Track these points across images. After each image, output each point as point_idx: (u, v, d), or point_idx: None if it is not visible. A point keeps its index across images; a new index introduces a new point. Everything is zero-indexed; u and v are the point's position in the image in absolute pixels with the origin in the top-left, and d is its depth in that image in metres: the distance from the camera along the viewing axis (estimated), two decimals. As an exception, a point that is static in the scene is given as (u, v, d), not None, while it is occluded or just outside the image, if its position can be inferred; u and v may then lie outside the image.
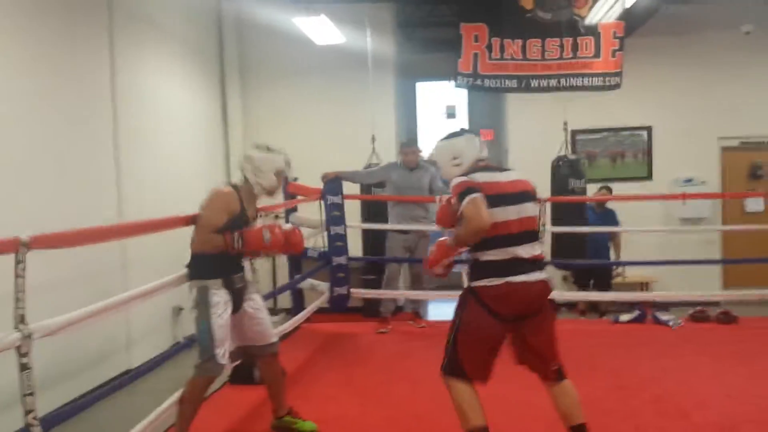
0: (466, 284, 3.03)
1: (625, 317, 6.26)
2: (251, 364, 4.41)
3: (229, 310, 3.30)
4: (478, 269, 2.92)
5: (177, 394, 3.38)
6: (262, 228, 3.31)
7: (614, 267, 7.07)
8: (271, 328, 3.57)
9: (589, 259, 6.84)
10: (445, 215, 3.13)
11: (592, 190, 7.24)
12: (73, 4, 4.91)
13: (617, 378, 4.50)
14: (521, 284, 2.85)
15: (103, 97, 5.27)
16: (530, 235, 2.95)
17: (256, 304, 3.48)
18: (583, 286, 7.07)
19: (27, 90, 4.36)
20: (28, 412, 2.38)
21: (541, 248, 3.04)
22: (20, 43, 4.32)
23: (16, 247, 2.33)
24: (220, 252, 3.25)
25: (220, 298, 3.26)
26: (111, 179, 5.28)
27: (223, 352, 3.26)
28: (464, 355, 2.91)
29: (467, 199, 2.82)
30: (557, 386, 3.00)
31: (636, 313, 6.24)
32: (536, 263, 2.93)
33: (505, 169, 3.21)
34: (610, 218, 7.11)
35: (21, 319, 2.38)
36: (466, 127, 10.34)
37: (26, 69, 4.36)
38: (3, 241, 2.34)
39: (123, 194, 5.36)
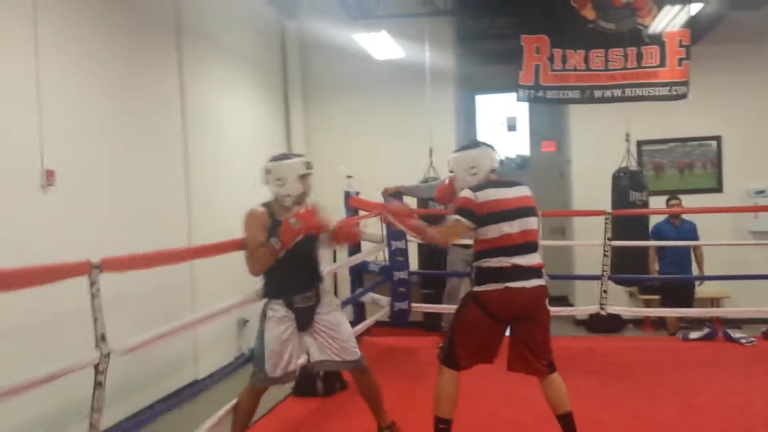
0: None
1: (694, 334, 6.05)
2: (314, 377, 4.49)
3: (287, 327, 3.34)
4: (482, 276, 3.21)
5: (232, 403, 3.49)
6: (288, 218, 3.27)
7: (697, 283, 6.76)
8: (351, 346, 3.48)
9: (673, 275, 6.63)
10: (444, 193, 3.69)
11: (656, 202, 7.03)
12: (143, 24, 5.14)
13: (685, 397, 4.37)
14: (519, 289, 3.13)
15: (173, 115, 5.47)
16: (530, 246, 3.22)
17: (331, 322, 3.44)
18: (666, 303, 6.70)
19: (100, 110, 4.58)
20: (92, 426, 2.49)
21: (540, 258, 3.28)
22: (94, 64, 4.55)
23: (88, 270, 2.45)
24: (281, 270, 3.30)
25: (276, 313, 3.33)
26: (182, 196, 5.48)
27: (272, 365, 3.32)
28: (459, 349, 3.23)
29: (456, 219, 3.21)
30: (547, 380, 3.25)
31: (706, 330, 6.03)
32: (535, 270, 3.20)
33: (514, 184, 3.37)
34: (690, 231, 6.72)
35: (102, 338, 2.49)
36: (527, 137, 10.26)
37: (99, 88, 4.59)
38: (75, 264, 2.45)
39: (193, 211, 5.55)
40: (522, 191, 3.31)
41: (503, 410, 4.06)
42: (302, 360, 3.57)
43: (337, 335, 3.44)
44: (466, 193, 3.23)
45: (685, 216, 6.74)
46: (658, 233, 6.69)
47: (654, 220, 6.78)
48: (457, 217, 3.22)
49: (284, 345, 3.35)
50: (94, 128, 4.50)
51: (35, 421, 3.75)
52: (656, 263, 6.77)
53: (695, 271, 6.76)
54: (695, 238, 6.65)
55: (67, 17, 4.31)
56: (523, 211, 3.23)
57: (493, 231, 3.16)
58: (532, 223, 3.25)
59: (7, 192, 3.72)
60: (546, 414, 3.36)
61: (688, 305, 6.53)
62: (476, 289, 3.22)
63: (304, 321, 3.41)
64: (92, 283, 2.46)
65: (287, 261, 3.29)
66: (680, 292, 6.60)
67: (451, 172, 3.46)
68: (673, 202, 6.77)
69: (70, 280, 2.48)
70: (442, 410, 3.25)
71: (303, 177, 3.41)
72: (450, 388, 3.25)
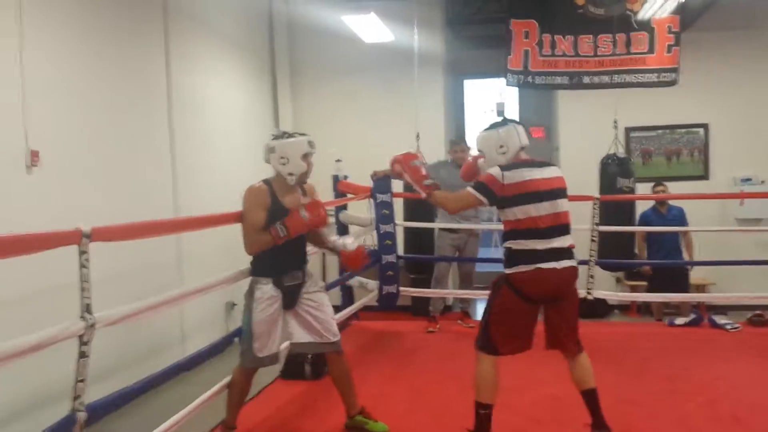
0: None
1: (680, 320, 6.11)
2: (303, 360, 4.49)
3: (275, 307, 3.35)
4: (512, 257, 3.19)
5: (225, 381, 3.54)
6: (298, 209, 3.30)
7: (688, 268, 6.76)
8: (332, 327, 3.52)
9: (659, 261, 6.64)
10: (469, 170, 3.69)
11: (643, 189, 7.06)
12: (129, 4, 5.05)
13: (671, 382, 4.42)
14: (551, 270, 3.11)
15: (159, 97, 5.40)
16: (563, 228, 3.21)
17: (316, 302, 3.47)
18: (658, 288, 6.61)
19: (85, 91, 4.50)
20: (76, 398, 2.47)
21: (572, 239, 3.27)
22: (79, 45, 4.46)
23: (78, 239, 2.43)
24: (272, 249, 3.30)
25: (264, 293, 3.34)
26: (167, 178, 5.42)
27: (260, 345, 3.34)
28: (496, 335, 3.20)
29: (472, 191, 3.22)
30: (576, 359, 3.32)
31: (692, 316, 6.09)
32: (566, 251, 3.20)
33: (545, 164, 3.33)
34: (676, 218, 6.70)
35: (87, 309, 2.47)
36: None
37: (85, 70, 4.50)
38: (66, 232, 2.43)
39: (178, 192, 5.49)
40: (554, 172, 3.28)
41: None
42: (286, 343, 3.58)
43: (320, 315, 3.46)
44: (494, 170, 3.19)
45: (672, 202, 6.74)
46: (645, 221, 6.70)
47: (641, 207, 6.81)
48: (472, 189, 3.21)
49: (271, 326, 3.36)
50: (79, 109, 4.43)
51: (18, 399, 3.72)
52: (645, 251, 6.79)
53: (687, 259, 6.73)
54: (683, 224, 6.65)
55: (51, -5, 4.23)
56: (554, 192, 3.20)
57: (523, 212, 3.13)
58: (563, 204, 3.23)
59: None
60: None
61: (684, 291, 6.55)
62: (507, 271, 3.20)
63: (291, 299, 3.42)
64: (82, 252, 2.44)
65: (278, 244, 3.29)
66: (671, 280, 6.58)
67: (480, 151, 3.42)
68: (658, 188, 6.76)
69: (58, 255, 2.46)
70: (484, 396, 3.23)
71: (306, 156, 3.40)
72: (490, 373, 3.23)
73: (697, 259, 6.70)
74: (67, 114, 4.30)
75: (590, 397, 3.31)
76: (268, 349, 3.38)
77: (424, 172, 3.42)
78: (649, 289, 6.78)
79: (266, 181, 3.41)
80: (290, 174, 3.37)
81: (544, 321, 3.31)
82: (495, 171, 3.18)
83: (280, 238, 3.26)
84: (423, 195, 3.42)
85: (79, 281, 2.44)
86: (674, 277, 6.64)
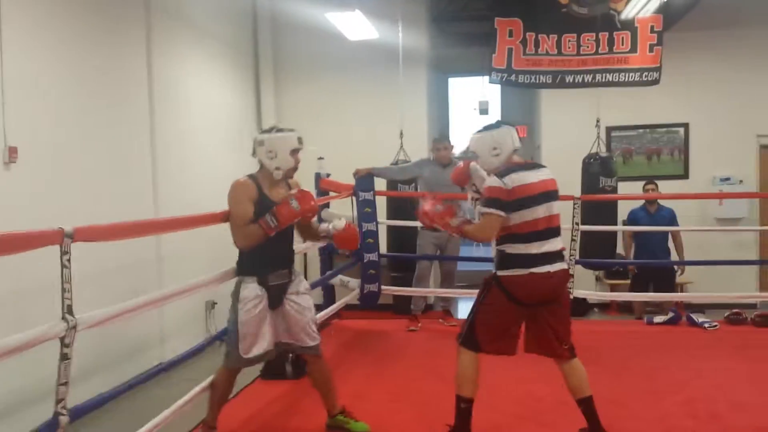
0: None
1: (659, 319, 6.17)
2: (283, 360, 4.47)
3: (261, 307, 3.33)
4: (505, 260, 3.19)
5: (207, 381, 3.51)
6: (287, 198, 3.26)
7: (676, 268, 6.79)
8: (311, 331, 3.49)
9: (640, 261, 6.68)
10: (460, 175, 3.63)
11: (624, 188, 7.11)
12: (109, 2, 4.99)
13: (649, 380, 4.45)
14: (544, 274, 3.12)
15: (140, 94, 5.35)
16: (554, 231, 3.22)
17: (299, 304, 3.44)
18: (640, 287, 6.67)
19: (65, 87, 4.45)
20: (59, 401, 2.44)
21: (562, 242, 3.28)
22: (58, 41, 4.41)
23: (61, 239, 2.39)
24: (258, 247, 3.27)
25: (249, 293, 3.30)
26: (147, 175, 5.38)
27: (245, 346, 3.31)
28: (480, 332, 3.22)
29: (490, 211, 3.13)
30: (568, 364, 3.28)
31: (670, 314, 6.15)
32: (558, 254, 3.21)
33: (538, 166, 3.33)
34: (665, 218, 6.66)
35: (68, 310, 2.42)
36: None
37: (64, 66, 4.45)
38: (48, 232, 2.39)
39: (159, 190, 5.45)
40: (546, 174, 3.27)
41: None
42: (270, 343, 3.56)
43: (300, 318, 3.44)
44: (493, 181, 3.15)
45: (662, 202, 6.74)
46: (633, 219, 6.72)
47: (627, 206, 6.84)
48: (489, 210, 3.13)
49: (258, 326, 3.33)
50: (58, 105, 4.38)
51: (3, 398, 3.69)
52: (631, 250, 6.81)
53: (675, 259, 6.73)
54: (672, 225, 6.64)
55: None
56: (549, 195, 3.21)
57: (520, 216, 3.12)
58: (555, 207, 3.24)
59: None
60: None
61: (670, 291, 6.59)
62: (500, 273, 3.19)
63: (276, 298, 3.39)
64: (63, 252, 2.40)
65: (267, 239, 3.26)
66: (657, 280, 6.62)
67: (472, 152, 3.40)
68: (648, 187, 6.73)
69: (38, 255, 2.43)
70: (465, 390, 3.26)
71: (294, 151, 3.37)
72: (470, 368, 3.25)
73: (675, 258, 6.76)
74: (46, 110, 4.24)
75: (587, 405, 3.28)
76: (254, 350, 3.35)
77: (449, 214, 3.34)
78: (632, 288, 6.81)
79: (251, 176, 3.37)
80: (277, 168, 3.34)
81: (533, 325, 3.27)
82: (494, 181, 3.14)
83: (271, 229, 3.21)
84: (455, 235, 3.45)
85: (60, 282, 2.40)
86: (660, 277, 6.67)
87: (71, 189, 4.41)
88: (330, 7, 6.62)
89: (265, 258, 3.32)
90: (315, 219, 3.69)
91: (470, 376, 3.25)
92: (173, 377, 3.95)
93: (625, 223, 6.91)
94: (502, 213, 3.10)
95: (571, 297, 5.87)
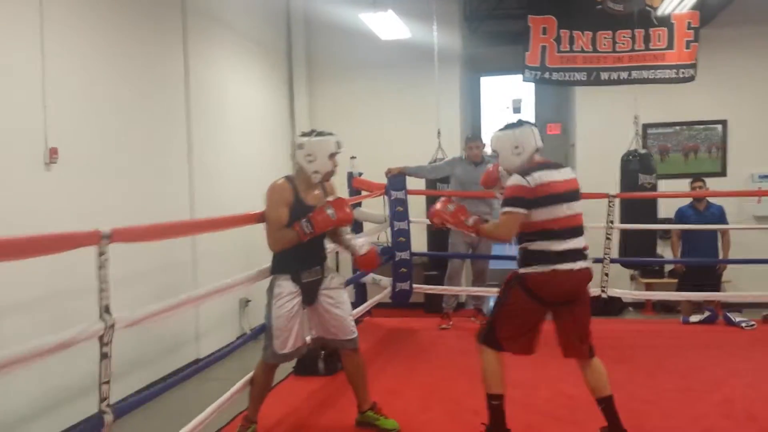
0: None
1: (695, 318, 6.07)
2: (316, 356, 4.52)
3: (295, 303, 3.39)
4: (528, 257, 3.18)
5: (247, 377, 3.58)
6: (324, 206, 3.33)
7: (719, 266, 6.59)
8: (349, 324, 3.57)
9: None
10: (489, 178, 3.79)
11: (661, 186, 6.99)
12: (148, 4, 5.10)
13: (685, 380, 4.40)
14: (566, 272, 3.10)
15: (177, 96, 5.46)
16: (577, 229, 3.20)
17: (334, 299, 3.51)
18: (688, 288, 6.33)
19: (104, 89, 4.56)
20: (102, 400, 2.49)
21: (586, 240, 3.25)
22: (97, 44, 4.52)
23: (98, 240, 2.43)
24: (294, 246, 3.33)
25: (282, 289, 3.38)
26: (184, 175, 5.47)
27: (280, 343, 3.37)
28: (501, 331, 3.22)
29: (510, 210, 3.12)
30: (588, 363, 3.27)
31: (707, 313, 6.05)
32: (581, 253, 3.18)
33: (560, 166, 3.30)
34: (714, 216, 6.45)
35: (106, 309, 2.47)
36: (532, 120, 10.22)
37: (103, 69, 4.56)
38: (85, 233, 2.43)
39: (195, 190, 5.54)
40: (568, 173, 3.26)
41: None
42: (308, 337, 3.63)
43: (337, 312, 3.51)
44: (516, 179, 3.13)
45: (711, 200, 6.56)
46: (680, 217, 6.55)
47: (670, 204, 6.68)
48: (510, 209, 3.12)
49: (291, 321, 3.39)
50: (97, 106, 4.49)
51: (46, 394, 3.79)
52: (678, 249, 6.65)
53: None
54: (721, 223, 6.45)
55: (71, -5, 4.28)
56: (571, 194, 3.20)
57: (543, 214, 3.11)
58: (578, 206, 3.23)
59: (11, 169, 3.72)
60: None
61: (716, 290, 6.39)
62: (522, 271, 3.18)
63: (310, 295, 3.46)
64: (101, 253, 2.44)
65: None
66: (703, 279, 6.36)
67: (494, 151, 3.40)
68: (696, 184, 6.55)
69: (80, 256, 2.48)
70: (492, 387, 3.25)
71: (333, 155, 3.42)
72: (494, 365, 3.24)
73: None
74: (85, 112, 4.36)
75: (607, 405, 3.25)
76: (289, 346, 3.41)
77: (462, 213, 3.40)
78: (679, 288, 6.58)
79: (288, 178, 3.43)
80: (315, 172, 3.39)
81: (556, 325, 3.27)
82: (517, 179, 3.13)
83: (306, 235, 3.28)
84: (473, 234, 3.44)
85: (97, 282, 2.45)
86: (706, 276, 6.43)
87: (110, 189, 4.52)
88: (363, 8, 6.65)
89: (298, 256, 3.39)
90: (350, 224, 3.73)
91: (495, 372, 3.24)
92: (207, 375, 4.02)
93: (672, 222, 6.75)
94: (522, 211, 3.09)
95: (605, 296, 5.84)
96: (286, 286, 3.39)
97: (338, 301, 3.53)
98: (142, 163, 4.94)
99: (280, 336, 3.38)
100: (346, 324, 3.53)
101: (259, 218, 3.45)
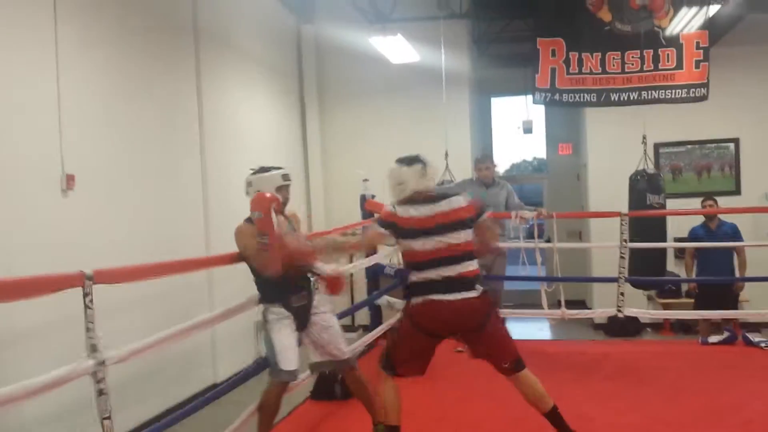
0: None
1: (714, 338, 5.99)
2: (332, 380, 4.50)
3: (289, 323, 3.50)
4: (408, 289, 3.27)
5: (253, 406, 3.60)
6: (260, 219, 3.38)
7: (738, 286, 6.51)
8: (341, 345, 3.67)
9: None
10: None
11: (675, 205, 6.97)
12: (161, 31, 5.20)
13: (705, 401, 4.32)
14: (440, 302, 3.12)
15: (191, 122, 5.53)
16: (455, 258, 3.16)
17: (325, 323, 3.63)
18: (705, 308, 6.26)
19: (119, 115, 4.64)
20: None
21: (472, 266, 3.19)
22: (111, 70, 4.61)
23: (82, 281, 2.47)
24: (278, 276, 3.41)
25: (276, 315, 3.51)
26: (198, 201, 5.53)
27: (285, 359, 3.44)
28: (395, 357, 3.30)
29: (373, 227, 3.37)
30: (515, 378, 3.24)
31: (726, 334, 5.97)
32: (461, 282, 3.14)
33: (442, 197, 3.29)
34: (727, 235, 6.35)
35: (93, 349, 2.49)
36: (543, 140, 10.22)
37: (117, 95, 4.65)
38: (69, 275, 2.48)
39: (209, 214, 5.59)
40: (444, 206, 3.23)
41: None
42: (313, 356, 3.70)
43: (328, 336, 3.63)
44: (389, 209, 3.31)
45: (723, 217, 6.48)
46: (693, 237, 6.47)
47: (679, 224, 6.66)
48: (376, 226, 3.33)
49: (291, 339, 3.50)
50: (113, 134, 4.55)
51: (56, 415, 3.78)
52: (692, 269, 6.56)
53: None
54: (735, 240, 6.35)
55: (86, 25, 4.36)
56: (438, 228, 3.18)
57: (405, 245, 3.22)
58: (452, 237, 3.17)
59: (29, 195, 3.78)
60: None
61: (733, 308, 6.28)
62: (409, 302, 3.27)
63: (302, 319, 3.57)
64: (85, 294, 2.47)
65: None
66: (719, 299, 6.24)
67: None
68: (706, 203, 6.51)
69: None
70: (390, 418, 3.29)
71: (281, 188, 3.57)
72: (392, 395, 3.30)
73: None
74: (102, 139, 4.42)
75: (553, 418, 3.22)
76: (294, 362, 3.49)
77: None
78: (696, 308, 6.49)
79: (248, 219, 3.53)
80: None
81: (472, 352, 3.33)
82: (390, 208, 3.31)
83: (265, 245, 3.34)
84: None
85: (84, 322, 2.47)
86: (722, 296, 6.32)
87: (126, 215, 4.57)
88: (372, 32, 6.73)
89: (283, 283, 3.49)
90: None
91: (394, 404, 3.30)
92: (221, 400, 4.02)
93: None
94: (379, 230, 3.28)
95: (622, 316, 5.76)
96: (279, 311, 3.51)
97: (328, 324, 3.64)
98: (158, 189, 4.98)
99: (285, 353, 3.46)
100: (338, 345, 3.64)
101: (234, 259, 3.58)
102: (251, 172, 3.67)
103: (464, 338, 3.30)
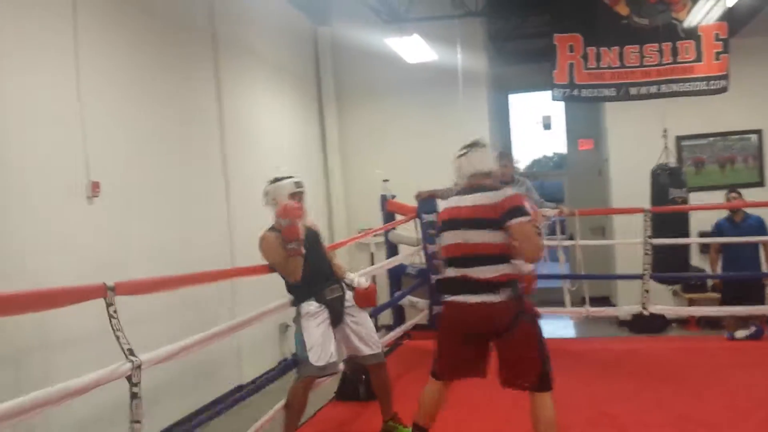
0: None
1: (740, 334, 5.93)
2: (357, 381, 4.54)
3: (323, 318, 3.59)
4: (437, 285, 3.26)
5: (279, 404, 3.66)
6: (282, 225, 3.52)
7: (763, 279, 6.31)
8: (373, 340, 3.79)
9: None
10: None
11: (699, 198, 6.89)
12: (179, 38, 5.26)
13: (733, 398, 4.29)
14: (459, 304, 3.04)
15: (212, 128, 5.59)
16: (481, 259, 2.99)
17: (356, 317, 3.74)
18: (731, 303, 6.15)
19: (142, 124, 4.70)
20: None
21: (499, 271, 2.97)
22: (132, 77, 4.67)
23: (104, 293, 2.53)
24: (304, 274, 3.56)
25: (311, 308, 3.60)
26: (222, 206, 5.58)
27: (316, 356, 3.51)
28: (434, 358, 3.22)
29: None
30: (532, 398, 3.03)
31: (753, 329, 5.90)
32: (485, 285, 2.97)
33: (478, 190, 3.09)
34: (753, 228, 6.21)
35: (130, 353, 2.56)
36: (563, 135, 10.16)
37: (139, 102, 4.70)
38: (92, 287, 2.55)
39: (233, 219, 5.64)
40: (475, 200, 3.05)
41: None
42: (341, 353, 3.78)
43: (361, 330, 3.75)
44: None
45: (749, 211, 6.32)
46: (718, 231, 6.37)
47: (703, 218, 6.60)
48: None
49: (324, 337, 3.57)
50: (136, 140, 4.62)
51: (95, 416, 3.85)
52: (717, 264, 6.46)
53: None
54: (761, 234, 6.20)
55: (106, 34, 4.43)
56: (467, 222, 3.03)
57: (440, 239, 3.17)
58: (477, 236, 2.99)
59: (55, 202, 3.85)
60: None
61: (760, 303, 6.10)
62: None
63: (337, 313, 3.67)
64: (109, 305, 2.54)
65: (308, 262, 3.58)
66: (746, 293, 6.11)
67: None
68: (731, 195, 6.38)
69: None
70: (418, 415, 3.24)
71: (294, 195, 3.68)
72: (427, 395, 3.23)
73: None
74: (124, 146, 4.48)
75: None
76: (324, 359, 3.54)
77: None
78: (723, 303, 6.39)
79: (271, 228, 3.64)
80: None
81: (497, 354, 3.10)
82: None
83: (294, 250, 3.50)
84: None
85: (112, 331, 2.53)
86: (749, 289, 6.17)
87: (149, 222, 4.62)
88: (388, 33, 6.74)
89: (314, 280, 3.62)
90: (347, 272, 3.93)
91: (424, 404, 3.23)
92: (247, 401, 4.07)
93: (709, 237, 6.60)
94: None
95: (647, 313, 5.72)
96: (313, 306, 3.60)
97: (360, 319, 3.76)
98: (181, 195, 5.05)
99: (315, 348, 3.52)
100: (370, 340, 3.76)
101: (259, 270, 3.70)
102: (268, 182, 3.80)
103: (497, 341, 3.04)
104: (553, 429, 2.98)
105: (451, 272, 3.09)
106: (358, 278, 3.85)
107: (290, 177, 3.78)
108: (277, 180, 3.77)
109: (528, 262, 3.06)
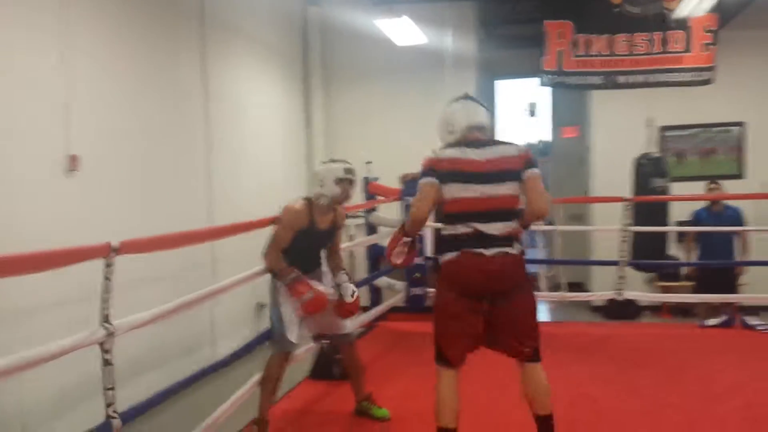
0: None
1: (711, 321, 6.02)
2: (331, 360, 4.55)
3: None
4: (440, 243, 2.97)
5: (256, 377, 3.67)
6: (313, 290, 3.47)
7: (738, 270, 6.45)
8: (342, 321, 3.79)
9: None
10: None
11: (680, 188, 6.94)
12: (166, 12, 5.19)
13: (705, 384, 4.36)
14: (478, 255, 2.79)
15: (196, 103, 5.54)
16: (500, 214, 2.86)
17: (330, 296, 3.69)
18: (703, 290, 6.30)
19: (124, 98, 4.64)
20: (108, 405, 2.55)
21: (515, 226, 2.89)
22: (117, 50, 4.61)
23: (107, 252, 2.51)
24: (290, 253, 3.54)
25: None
26: (203, 181, 5.55)
27: (292, 331, 3.54)
28: (441, 340, 2.91)
29: (419, 184, 2.89)
30: (527, 367, 2.90)
31: (723, 317, 5.99)
32: (503, 239, 2.83)
33: (496, 143, 2.98)
34: (730, 219, 6.29)
35: (105, 318, 2.55)
36: (549, 123, 10.17)
37: (124, 78, 4.65)
38: (95, 246, 2.52)
39: (213, 194, 5.62)
40: (499, 152, 2.88)
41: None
42: (310, 330, 3.79)
43: (332, 310, 3.71)
44: (427, 156, 2.95)
45: (726, 202, 6.40)
46: (697, 221, 6.43)
47: (681, 208, 6.66)
48: (421, 181, 2.89)
49: (297, 311, 3.55)
50: (118, 114, 4.56)
51: (61, 391, 3.86)
52: (693, 252, 6.50)
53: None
54: (738, 225, 6.29)
55: (93, 5, 4.35)
56: (492, 175, 2.85)
57: (447, 193, 2.87)
58: (504, 188, 2.85)
59: (33, 176, 3.80)
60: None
61: (731, 292, 6.27)
62: (439, 259, 2.93)
63: None
64: (108, 265, 2.53)
65: (298, 249, 3.55)
66: (719, 282, 6.25)
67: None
68: (711, 186, 6.41)
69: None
70: (440, 418, 2.90)
71: (341, 181, 3.59)
72: (445, 391, 2.90)
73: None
74: (105, 119, 4.43)
75: (543, 426, 2.89)
76: (296, 332, 3.57)
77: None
78: (696, 290, 6.51)
79: (307, 201, 3.60)
80: (323, 195, 3.60)
81: (490, 319, 2.86)
82: (430, 155, 2.95)
83: (282, 278, 3.49)
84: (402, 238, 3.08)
85: (101, 292, 2.52)
86: (722, 279, 6.32)
87: (130, 195, 4.59)
88: (378, 14, 6.69)
89: (295, 262, 3.57)
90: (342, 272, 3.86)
91: (444, 401, 2.90)
92: (221, 377, 4.07)
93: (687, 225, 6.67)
94: (431, 180, 2.86)
95: (621, 298, 5.79)
96: None
97: (332, 299, 3.71)
98: (163, 170, 5.01)
99: (291, 324, 3.54)
100: (340, 321, 3.76)
101: (264, 224, 3.65)
102: (321, 163, 3.78)
103: (491, 305, 2.83)
104: (549, 396, 2.91)
105: (465, 228, 2.83)
106: (346, 286, 3.76)
107: (344, 162, 3.68)
108: (330, 161, 3.73)
109: (532, 219, 2.93)
